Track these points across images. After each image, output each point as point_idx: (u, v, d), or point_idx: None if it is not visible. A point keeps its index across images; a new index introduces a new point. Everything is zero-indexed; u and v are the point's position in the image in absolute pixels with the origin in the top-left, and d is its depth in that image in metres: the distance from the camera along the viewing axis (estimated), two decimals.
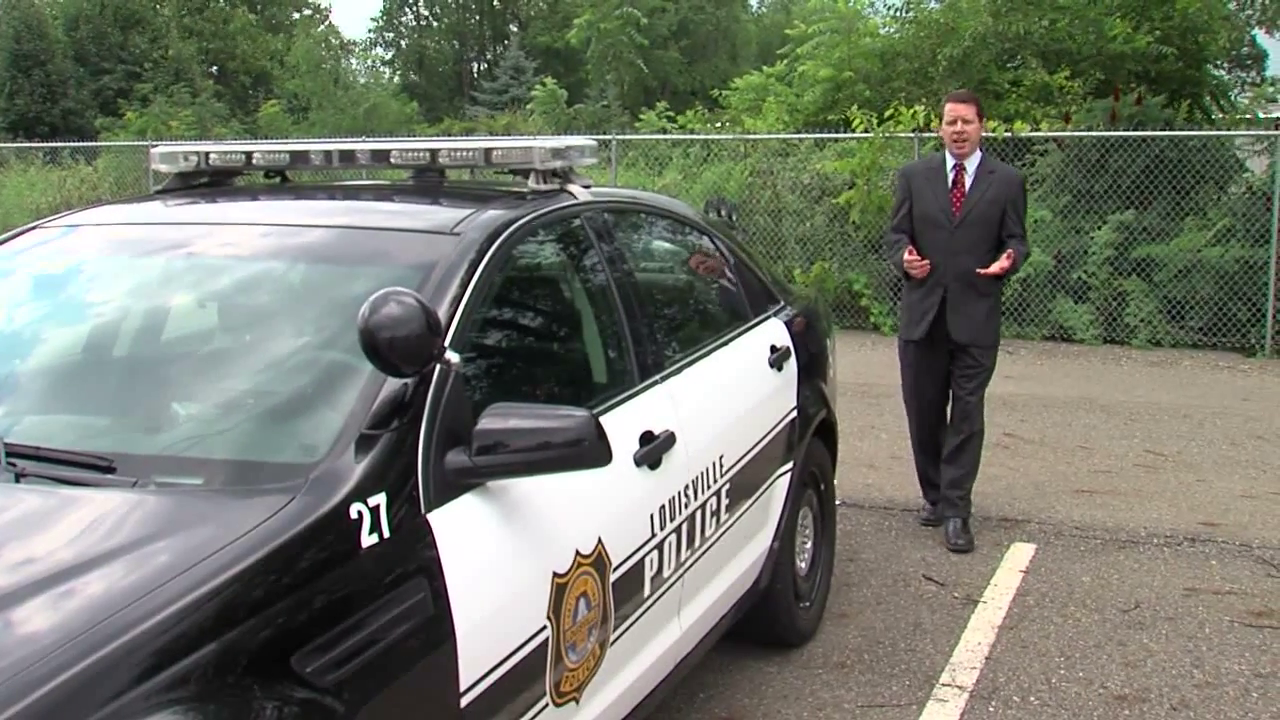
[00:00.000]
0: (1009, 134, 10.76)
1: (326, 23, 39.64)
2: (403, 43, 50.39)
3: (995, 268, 4.92)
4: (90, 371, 2.62)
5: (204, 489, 2.08)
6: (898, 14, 14.02)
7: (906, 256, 4.99)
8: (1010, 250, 4.93)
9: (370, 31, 49.88)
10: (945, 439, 5.24)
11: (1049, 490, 6.01)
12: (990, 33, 12.34)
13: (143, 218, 3.14)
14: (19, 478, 2.10)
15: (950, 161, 5.07)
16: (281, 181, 3.52)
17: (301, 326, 2.58)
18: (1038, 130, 11.05)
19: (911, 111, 11.02)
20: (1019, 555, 5.01)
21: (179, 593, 1.75)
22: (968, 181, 5.05)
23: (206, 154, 3.29)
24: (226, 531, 1.88)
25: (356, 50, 42.63)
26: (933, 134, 10.65)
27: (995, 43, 12.53)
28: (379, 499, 2.06)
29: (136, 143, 18.18)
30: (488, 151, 3.02)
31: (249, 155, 3.26)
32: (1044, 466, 6.47)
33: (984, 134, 10.51)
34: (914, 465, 5.52)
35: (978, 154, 5.08)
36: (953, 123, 5.03)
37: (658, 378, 3.13)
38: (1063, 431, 7.31)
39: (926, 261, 4.99)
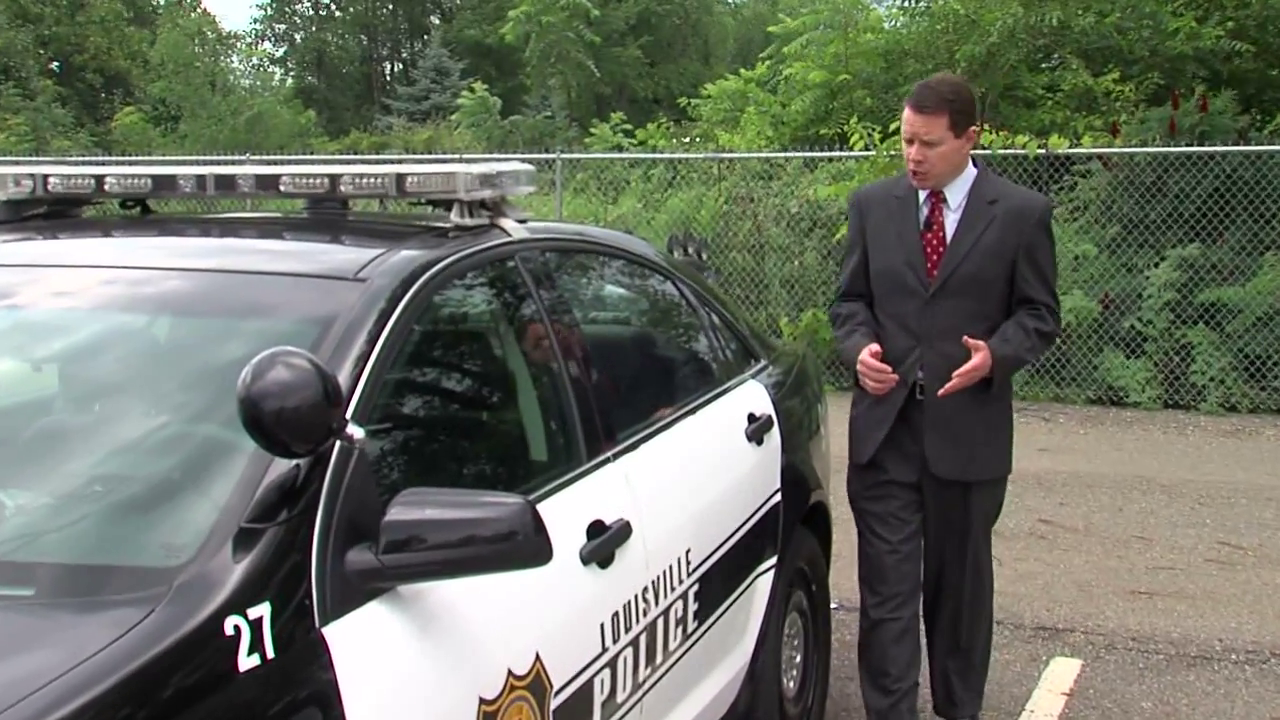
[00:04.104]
0: (1044, 150, 10.90)
1: (199, 10, 39.72)
2: (297, 37, 50.64)
3: (955, 381, 3.83)
4: None
5: (36, 601, 2.07)
6: (906, 4, 14.26)
7: (865, 359, 3.91)
8: (983, 347, 3.81)
9: (256, 22, 50.22)
10: (932, 612, 4.28)
11: (1097, 592, 6.05)
12: (1021, 26, 12.53)
13: None
14: None
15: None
16: (142, 213, 3.53)
17: (165, 395, 2.58)
18: (1079, 146, 11.21)
19: None
20: (1061, 673, 5.04)
21: None
22: (950, 220, 3.96)
23: (44, 177, 3.28)
24: (65, 656, 1.86)
25: (239, 46, 42.80)
26: None
27: (1027, 39, 12.73)
28: (261, 610, 2.06)
29: None
30: (400, 178, 3.04)
31: (100, 179, 3.26)
32: (1090, 562, 6.53)
33: (1012, 151, 10.89)
34: (859, 658, 4.29)
35: (968, 173, 3.99)
36: (909, 142, 3.90)
37: (609, 455, 3.16)
38: (1113, 518, 7.39)
39: (894, 375, 3.91)
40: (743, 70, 18.08)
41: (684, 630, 3.31)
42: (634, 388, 3.74)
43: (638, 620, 3.03)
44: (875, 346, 3.91)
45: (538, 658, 2.60)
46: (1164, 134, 11.25)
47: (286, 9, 50.37)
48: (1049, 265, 4.01)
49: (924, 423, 3.97)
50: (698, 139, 15.01)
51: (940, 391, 3.85)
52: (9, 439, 2.66)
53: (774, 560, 3.96)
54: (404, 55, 51.56)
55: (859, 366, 3.93)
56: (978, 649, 4.28)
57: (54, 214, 3.37)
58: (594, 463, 3.09)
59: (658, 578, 3.15)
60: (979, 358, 3.79)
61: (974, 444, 3.99)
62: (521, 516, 2.27)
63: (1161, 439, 9.76)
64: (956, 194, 3.96)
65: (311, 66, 49.11)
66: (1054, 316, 3.99)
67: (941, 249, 3.95)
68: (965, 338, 3.80)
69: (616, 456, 3.18)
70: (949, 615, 4.21)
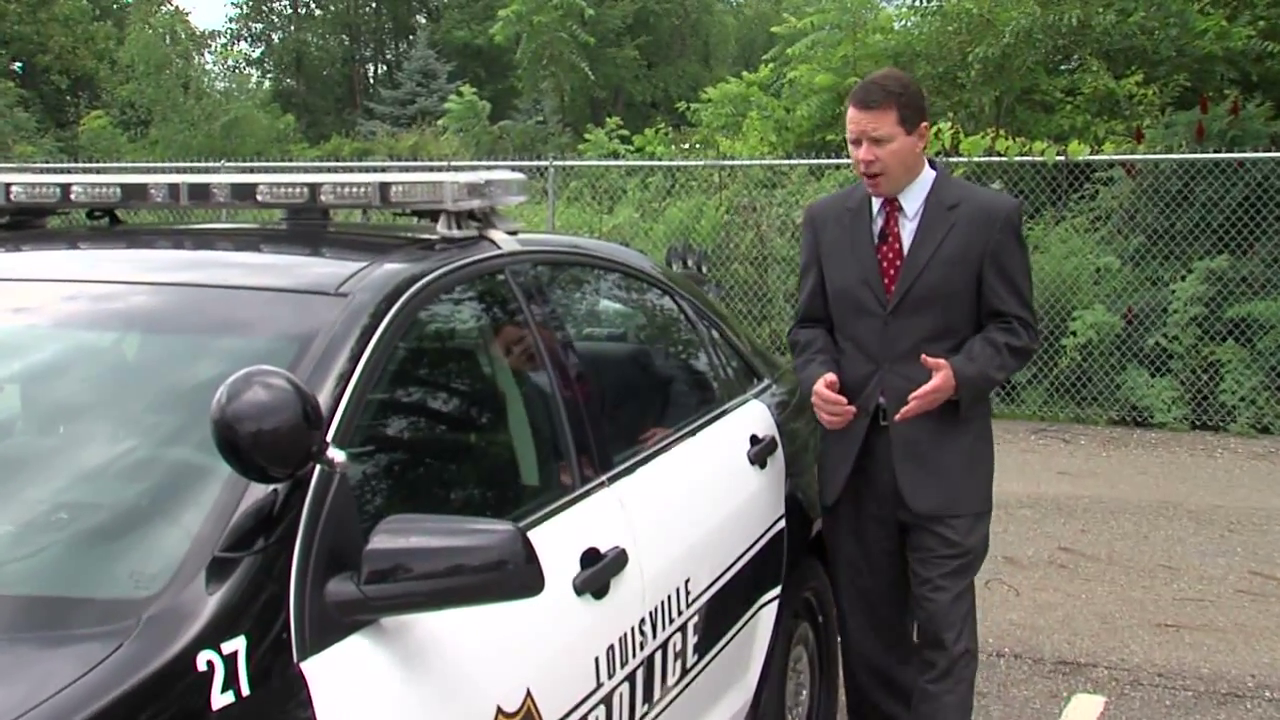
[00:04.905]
0: (1063, 157, 10.92)
1: (172, 8, 39.79)
2: (275, 37, 50.70)
3: (913, 404, 3.71)
4: None
5: None
6: (917, 4, 14.30)
7: (818, 389, 3.84)
8: (945, 365, 3.69)
9: (232, 21, 50.23)
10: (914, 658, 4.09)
11: (1121, 624, 6.05)
12: (1038, 26, 12.57)
13: None
14: None
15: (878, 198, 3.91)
16: (111, 223, 3.53)
17: (135, 417, 2.59)
18: (1100, 152, 11.22)
19: (935, 129, 11.18)
20: (1083, 711, 5.04)
21: None
22: (907, 230, 3.85)
23: (6, 185, 3.30)
24: (26, 694, 1.86)
25: (214, 46, 42.86)
26: (961, 158, 10.79)
27: (1044, 39, 12.76)
28: (237, 644, 2.06)
29: None
30: (384, 187, 3.05)
31: (66, 188, 3.28)
32: (1114, 592, 6.53)
33: (1029, 158, 10.91)
34: (849, 709, 4.28)
35: (926, 176, 3.87)
36: (856, 143, 3.80)
37: (604, 479, 3.16)
38: (1138, 546, 7.38)
39: (850, 408, 3.83)
40: (745, 73, 18.17)
41: (683, 664, 3.30)
42: (630, 408, 3.75)
43: (634, 654, 3.02)
44: (831, 376, 3.83)
45: (529, 694, 2.60)
46: (1191, 139, 11.24)
47: (264, 7, 50.47)
48: (1020, 273, 3.86)
49: (892, 453, 3.85)
50: (698, 145, 15.05)
51: (896, 416, 3.75)
52: None
53: (778, 590, 3.96)
54: (388, 57, 51.68)
55: (813, 399, 3.86)
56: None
57: (16, 224, 3.39)
58: (588, 487, 3.09)
59: (655, 609, 3.14)
60: (939, 378, 3.68)
61: (952, 475, 3.84)
62: (511, 544, 2.27)
63: (1189, 462, 9.75)
64: (913, 200, 3.84)
65: (290, 68, 49.17)
66: (1028, 330, 3.84)
67: (899, 262, 3.83)
68: (924, 356, 3.69)
69: (612, 481, 3.19)
70: (934, 674, 3.89)
